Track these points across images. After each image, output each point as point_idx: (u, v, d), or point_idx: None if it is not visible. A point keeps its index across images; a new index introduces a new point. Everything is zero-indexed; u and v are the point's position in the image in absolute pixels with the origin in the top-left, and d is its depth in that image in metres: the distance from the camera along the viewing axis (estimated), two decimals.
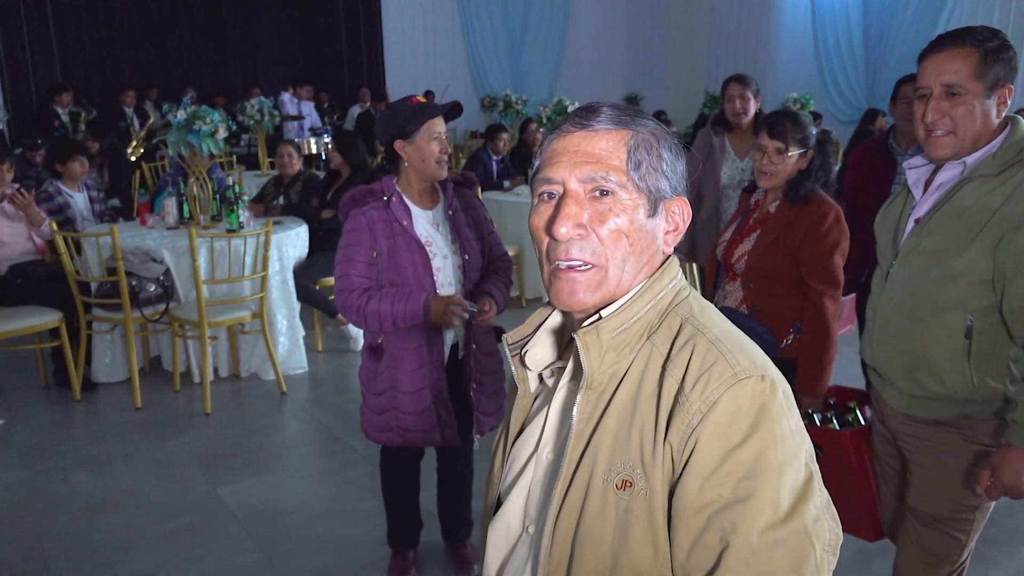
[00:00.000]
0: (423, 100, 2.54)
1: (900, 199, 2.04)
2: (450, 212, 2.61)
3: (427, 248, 2.52)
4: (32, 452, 3.94)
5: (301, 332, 5.01)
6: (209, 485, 3.59)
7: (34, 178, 6.50)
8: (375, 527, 3.11)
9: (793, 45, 12.75)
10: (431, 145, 2.47)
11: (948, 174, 1.86)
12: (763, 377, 0.98)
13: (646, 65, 15.32)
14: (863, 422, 2.36)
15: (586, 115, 1.05)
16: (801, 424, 1.01)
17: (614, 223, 1.03)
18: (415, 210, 2.55)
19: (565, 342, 1.16)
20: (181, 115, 4.80)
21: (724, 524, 0.93)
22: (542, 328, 1.16)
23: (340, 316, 4.93)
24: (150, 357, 5.03)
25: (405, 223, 2.48)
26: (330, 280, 4.98)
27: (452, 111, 2.55)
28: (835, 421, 2.40)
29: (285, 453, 4.01)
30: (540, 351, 1.15)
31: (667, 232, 1.09)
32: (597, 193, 1.03)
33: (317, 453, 4.02)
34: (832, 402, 2.50)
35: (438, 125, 2.48)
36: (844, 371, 3.32)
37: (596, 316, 1.06)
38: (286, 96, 11.34)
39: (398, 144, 2.48)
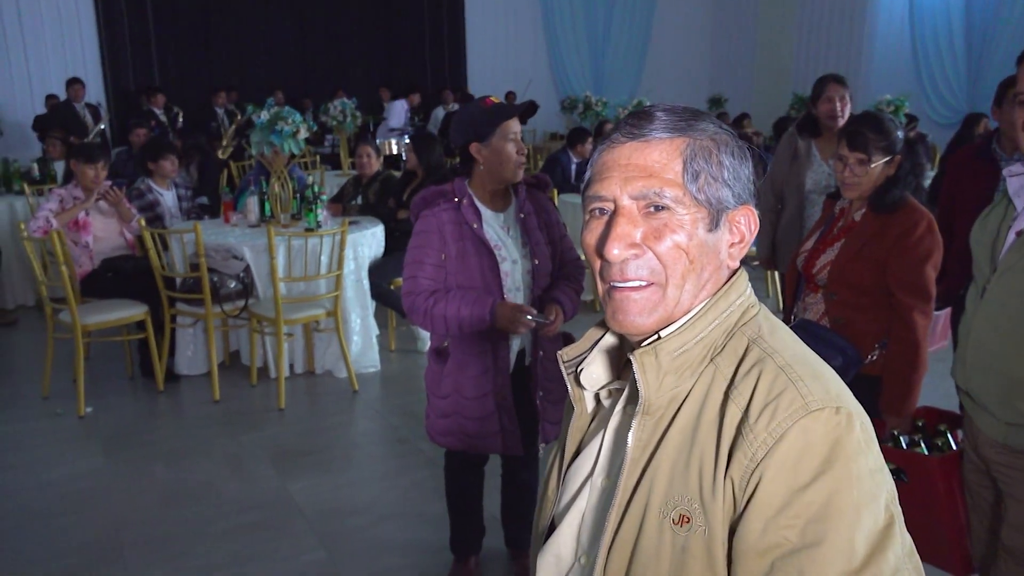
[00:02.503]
0: (497, 101, 2.49)
1: (999, 209, 1.88)
2: (521, 215, 2.55)
3: (496, 252, 2.46)
4: (115, 441, 4.08)
5: (375, 331, 5.05)
6: (279, 481, 3.63)
7: (131, 170, 6.77)
8: (439, 531, 3.08)
9: (889, 44, 12.20)
10: (508, 147, 2.40)
11: None
12: (838, 409, 0.88)
13: (732, 65, 14.96)
14: (954, 447, 2.20)
15: (638, 123, 0.97)
16: (882, 462, 0.91)
17: (671, 240, 0.94)
18: (486, 213, 2.50)
19: (623, 362, 1.09)
20: (264, 116, 4.91)
21: (790, 571, 0.84)
22: (598, 346, 1.08)
23: None
24: (230, 351, 5.16)
25: (475, 226, 2.43)
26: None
27: (527, 111, 2.50)
28: (923, 445, 2.25)
29: (354, 452, 4.04)
30: (596, 370, 1.08)
31: (731, 245, 1.00)
32: (651, 209, 0.95)
33: (385, 454, 4.03)
34: (921, 424, 2.34)
35: (514, 126, 2.42)
36: (937, 389, 3.13)
37: (655, 336, 0.98)
38: (400, 103, 11.52)
39: (474, 147, 2.42)
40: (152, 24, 11.89)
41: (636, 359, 0.96)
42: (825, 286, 2.50)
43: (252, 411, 4.46)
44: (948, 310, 3.19)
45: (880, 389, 2.40)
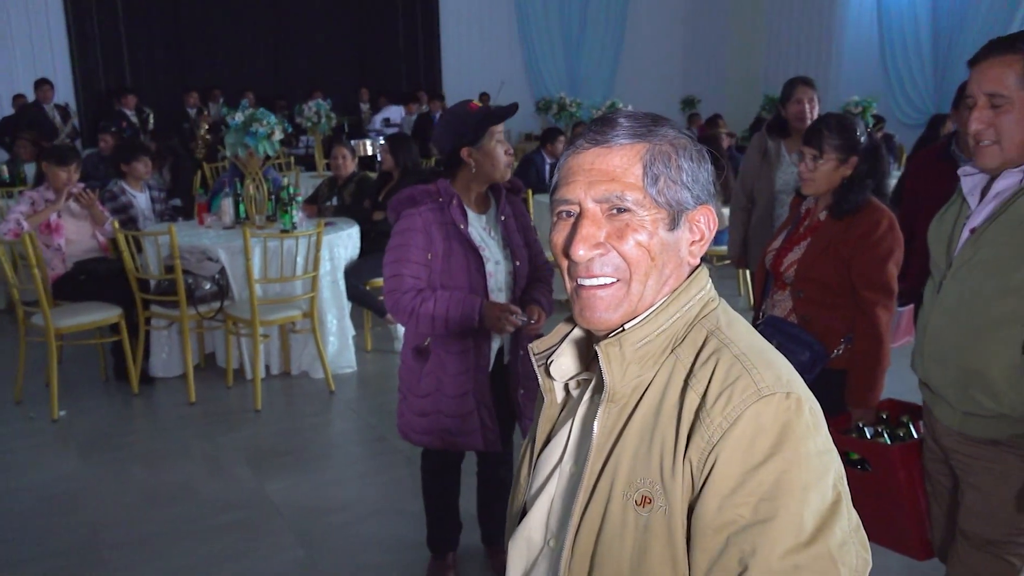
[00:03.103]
0: (480, 105, 2.54)
1: (955, 207, 1.96)
2: (502, 218, 2.61)
3: (481, 252, 2.51)
4: (91, 444, 4.07)
5: (351, 332, 5.07)
6: (257, 482, 3.65)
7: (102, 172, 6.73)
8: (417, 528, 3.11)
9: (858, 46, 12.41)
10: (498, 149, 2.48)
11: (1007, 182, 1.77)
12: (788, 394, 0.94)
13: (704, 67, 15.12)
14: (916, 437, 2.27)
15: (601, 129, 1.03)
16: (830, 444, 0.97)
17: (634, 239, 1.01)
18: (470, 214, 2.55)
19: (591, 353, 1.14)
20: (239, 117, 4.91)
21: (743, 546, 0.90)
22: (567, 339, 1.14)
23: (389, 316, 4.96)
24: (205, 353, 5.15)
25: (462, 227, 2.48)
26: (380, 281, 5.03)
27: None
28: (886, 436, 2.32)
29: (331, 452, 4.06)
30: (565, 361, 1.14)
31: (692, 243, 1.06)
32: (614, 211, 1.01)
33: (363, 453, 4.06)
34: (884, 416, 2.41)
35: (500, 127, 2.50)
36: (902, 383, 3.20)
37: (620, 328, 1.04)
38: (396, 109, 11.56)
39: (465, 151, 2.47)
40: (123, 24, 11.77)
41: (601, 350, 1.02)
42: (792, 284, 2.57)
43: (228, 412, 4.46)
44: (912, 307, 3.29)
45: (846, 382, 2.47)
